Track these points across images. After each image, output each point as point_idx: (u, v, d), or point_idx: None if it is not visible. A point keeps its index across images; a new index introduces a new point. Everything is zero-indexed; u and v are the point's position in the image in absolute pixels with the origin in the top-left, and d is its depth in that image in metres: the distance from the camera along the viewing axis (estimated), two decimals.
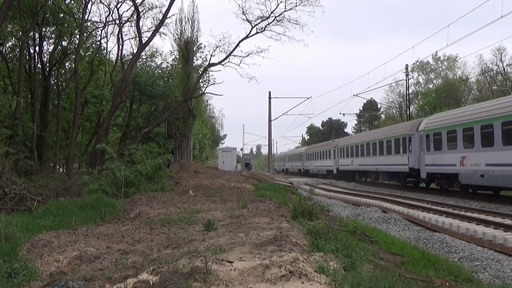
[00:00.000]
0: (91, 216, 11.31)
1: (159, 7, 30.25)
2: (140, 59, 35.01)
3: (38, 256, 6.20)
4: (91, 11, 57.66)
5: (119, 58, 29.85)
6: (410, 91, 52.24)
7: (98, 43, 30.43)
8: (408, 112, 48.98)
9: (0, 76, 26.26)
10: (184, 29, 34.22)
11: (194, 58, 34.70)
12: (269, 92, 46.88)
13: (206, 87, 36.52)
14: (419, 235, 12.02)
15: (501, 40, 73.51)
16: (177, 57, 36.06)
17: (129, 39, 65.26)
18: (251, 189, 18.69)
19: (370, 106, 79.38)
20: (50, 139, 27.32)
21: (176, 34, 34.36)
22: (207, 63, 32.35)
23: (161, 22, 26.47)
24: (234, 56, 30.71)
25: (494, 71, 53.31)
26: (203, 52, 35.17)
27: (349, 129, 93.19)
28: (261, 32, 30.19)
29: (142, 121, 36.01)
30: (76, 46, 26.07)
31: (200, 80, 33.72)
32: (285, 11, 29.33)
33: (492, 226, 11.92)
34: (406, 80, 43.93)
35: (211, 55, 32.99)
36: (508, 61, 52.24)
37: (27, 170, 20.49)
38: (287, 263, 4.72)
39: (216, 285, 4.25)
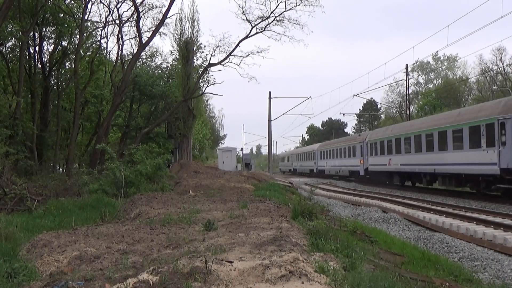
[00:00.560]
0: (91, 216, 11.31)
1: (159, 7, 30.14)
2: (140, 59, 35.06)
3: (38, 256, 6.20)
4: (91, 11, 57.62)
5: (119, 58, 29.89)
6: (410, 91, 52.26)
7: (98, 43, 30.50)
8: (408, 112, 48.96)
9: (0, 76, 26.25)
10: (184, 29, 34.29)
11: (194, 58, 34.72)
12: (269, 92, 46.91)
13: (206, 87, 36.57)
14: (419, 235, 12.03)
15: (501, 40, 73.89)
16: (177, 57, 36.09)
17: (129, 39, 65.25)
18: (251, 189, 18.69)
19: (370, 106, 79.47)
20: (50, 139, 27.30)
21: (176, 34, 34.44)
22: (207, 63, 32.41)
23: (161, 22, 26.50)
24: (234, 56, 30.76)
25: (494, 71, 53.36)
26: (203, 52, 35.25)
27: (349, 129, 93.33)
28: (261, 32, 30.22)
29: (142, 121, 35.99)
30: (76, 46, 26.07)
31: (200, 80, 33.72)
32: (285, 11, 29.37)
33: (492, 226, 11.93)
34: (406, 80, 43.94)
35: (211, 55, 33.00)
36: (508, 61, 52.34)
37: (27, 170, 20.48)
38: (287, 263, 4.72)
39: (216, 285, 4.25)
